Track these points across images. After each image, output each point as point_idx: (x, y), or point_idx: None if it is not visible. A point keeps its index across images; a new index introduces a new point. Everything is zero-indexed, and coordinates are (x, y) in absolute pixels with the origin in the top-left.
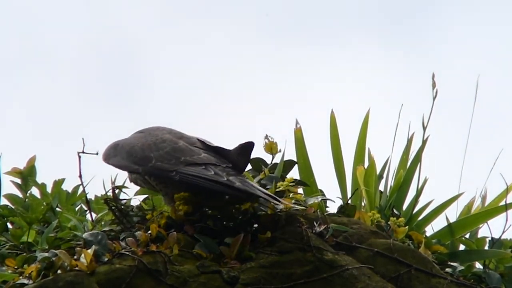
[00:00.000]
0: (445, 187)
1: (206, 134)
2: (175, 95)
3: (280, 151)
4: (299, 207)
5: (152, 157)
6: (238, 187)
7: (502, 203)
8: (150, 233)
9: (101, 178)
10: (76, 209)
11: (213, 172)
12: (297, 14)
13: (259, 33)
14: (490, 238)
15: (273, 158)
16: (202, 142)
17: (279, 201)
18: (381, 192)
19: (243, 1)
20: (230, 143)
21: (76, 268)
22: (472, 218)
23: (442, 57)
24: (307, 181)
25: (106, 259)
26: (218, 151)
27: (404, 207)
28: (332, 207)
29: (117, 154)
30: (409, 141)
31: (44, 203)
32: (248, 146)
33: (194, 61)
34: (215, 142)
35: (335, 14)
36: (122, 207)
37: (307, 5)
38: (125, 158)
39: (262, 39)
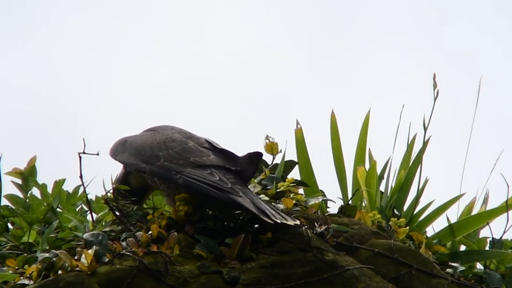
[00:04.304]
0: (446, 187)
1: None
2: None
3: (280, 151)
4: (292, 222)
5: (160, 156)
6: (239, 201)
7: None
8: (150, 234)
9: (101, 178)
10: (77, 209)
11: (218, 178)
12: (297, 14)
13: (259, 33)
14: (491, 239)
15: (273, 158)
16: (210, 143)
17: (273, 219)
18: (382, 192)
19: None
20: (230, 144)
21: (77, 269)
22: (473, 219)
23: (442, 57)
24: (308, 182)
25: (106, 259)
26: (226, 154)
27: (405, 207)
28: (333, 208)
29: (125, 151)
30: (411, 142)
31: (44, 203)
32: (256, 156)
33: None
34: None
35: (335, 15)
36: (123, 207)
37: (308, 5)
38: (133, 155)
39: (263, 38)
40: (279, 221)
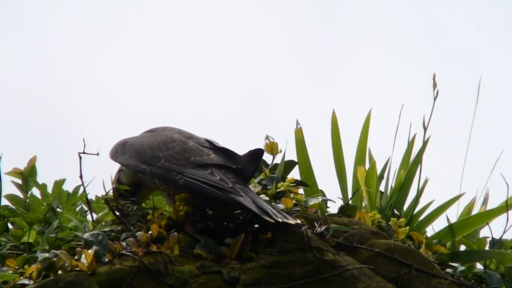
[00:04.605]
0: (446, 187)
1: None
2: None
3: (280, 151)
4: (293, 221)
5: (161, 157)
6: (240, 201)
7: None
8: (150, 234)
9: (101, 178)
10: (77, 209)
11: (218, 178)
12: (297, 13)
13: (260, 32)
14: (491, 239)
15: (273, 158)
16: (210, 143)
17: (274, 218)
18: (381, 192)
19: None
20: (230, 144)
21: (77, 269)
22: (473, 219)
23: (442, 57)
24: (308, 182)
25: (106, 259)
26: (227, 153)
27: (405, 207)
28: (333, 208)
29: (125, 152)
30: (411, 142)
31: (44, 203)
32: (257, 153)
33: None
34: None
35: (335, 14)
36: (123, 207)
37: (308, 5)
38: (133, 156)
39: (263, 38)
40: (280, 220)
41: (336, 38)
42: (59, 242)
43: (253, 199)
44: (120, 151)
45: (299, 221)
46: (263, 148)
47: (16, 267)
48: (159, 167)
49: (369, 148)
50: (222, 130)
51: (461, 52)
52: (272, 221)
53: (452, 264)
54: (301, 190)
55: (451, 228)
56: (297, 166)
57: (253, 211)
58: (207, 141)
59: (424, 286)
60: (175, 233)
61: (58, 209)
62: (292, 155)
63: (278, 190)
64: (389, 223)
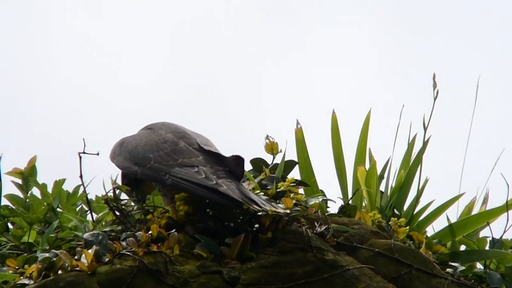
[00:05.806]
0: (446, 187)
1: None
2: None
3: (281, 151)
4: (282, 211)
5: (151, 158)
6: (225, 192)
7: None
8: (151, 233)
9: (101, 178)
10: (77, 209)
11: (203, 176)
12: (297, 12)
13: (260, 32)
14: (491, 239)
15: (274, 158)
16: (198, 145)
17: (261, 206)
18: (382, 192)
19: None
20: (231, 144)
21: (77, 269)
22: (473, 219)
23: (442, 57)
24: (308, 182)
25: (107, 259)
26: (215, 155)
27: (405, 207)
28: (333, 208)
29: (121, 154)
30: (411, 142)
31: (45, 203)
32: (239, 160)
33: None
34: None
35: (335, 13)
36: (123, 207)
37: (307, 1)
38: (127, 158)
39: (263, 38)
40: (267, 208)
41: (335, 40)
42: (59, 242)
43: (240, 189)
44: (117, 152)
45: (288, 211)
46: (241, 155)
47: (16, 267)
48: (149, 168)
49: (369, 148)
50: (222, 130)
51: (461, 52)
52: (259, 208)
53: (452, 264)
54: (301, 190)
55: (451, 228)
56: (297, 166)
57: (238, 201)
58: (196, 143)
59: (425, 286)
60: (175, 233)
61: (58, 209)
62: (292, 155)
63: (278, 190)
64: (389, 223)
